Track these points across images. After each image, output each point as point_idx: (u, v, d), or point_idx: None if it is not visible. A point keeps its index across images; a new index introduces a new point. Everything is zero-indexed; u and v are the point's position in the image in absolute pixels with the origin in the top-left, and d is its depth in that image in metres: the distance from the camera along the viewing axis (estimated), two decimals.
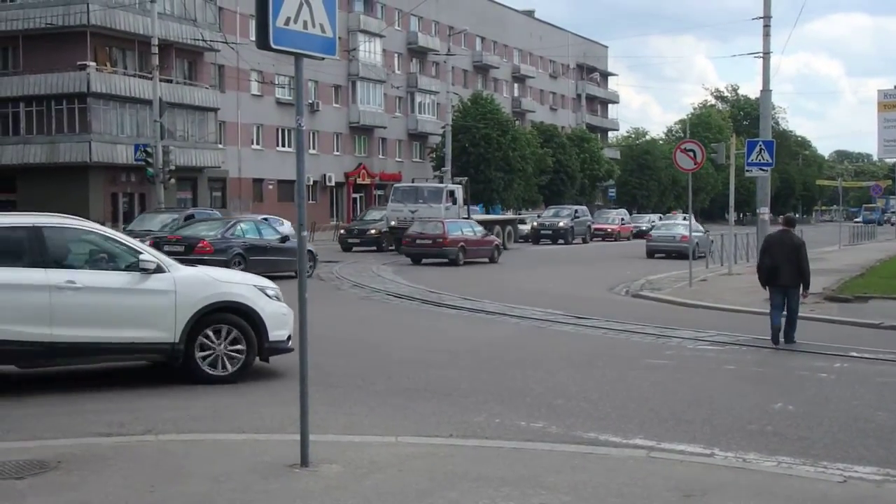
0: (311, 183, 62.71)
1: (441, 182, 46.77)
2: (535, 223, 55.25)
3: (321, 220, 61.21)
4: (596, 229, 59.63)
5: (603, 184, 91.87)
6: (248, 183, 58.65)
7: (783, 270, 14.73)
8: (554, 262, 38.20)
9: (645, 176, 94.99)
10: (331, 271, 29.69)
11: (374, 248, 42.56)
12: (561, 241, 53.38)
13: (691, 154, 25.45)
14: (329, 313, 18.06)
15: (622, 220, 64.51)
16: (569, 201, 79.27)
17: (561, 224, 53.96)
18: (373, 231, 42.86)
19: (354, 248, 42.43)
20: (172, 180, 39.87)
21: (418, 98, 75.08)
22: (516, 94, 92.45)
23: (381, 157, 72.17)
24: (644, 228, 58.93)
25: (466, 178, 51.47)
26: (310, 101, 62.12)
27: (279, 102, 60.42)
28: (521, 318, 18.37)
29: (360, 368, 12.07)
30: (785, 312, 14.79)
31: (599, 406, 9.93)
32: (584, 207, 60.92)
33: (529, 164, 68.37)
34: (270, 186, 60.20)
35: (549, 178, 75.81)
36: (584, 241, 55.39)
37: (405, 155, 74.97)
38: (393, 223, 40.42)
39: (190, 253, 23.66)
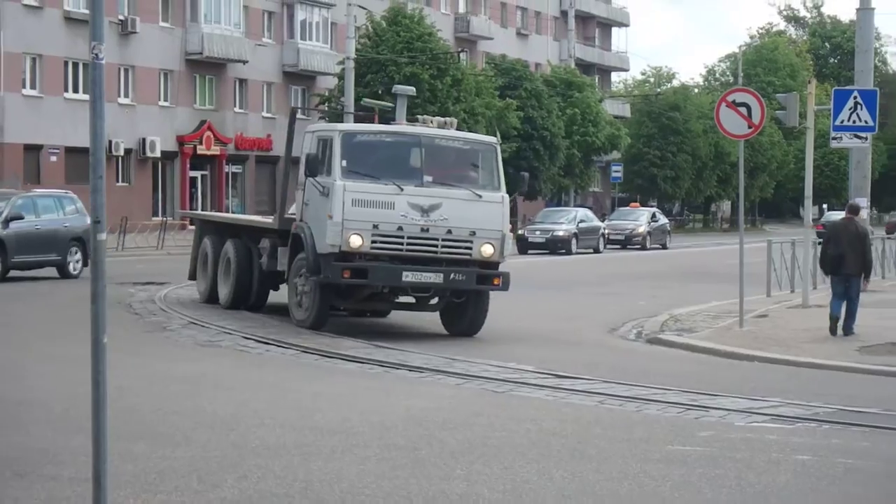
0: (122, 153, 62.18)
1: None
2: None
3: (139, 212, 60.62)
4: None
5: (603, 158, 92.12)
6: (15, 151, 57.99)
7: (847, 259, 22.62)
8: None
9: (671, 146, 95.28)
10: (153, 299, 29.44)
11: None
12: None
13: (744, 110, 25.63)
14: (148, 370, 17.95)
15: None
16: (548, 187, 79.50)
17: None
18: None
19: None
20: None
21: (301, 14, 74.97)
22: (462, 8, 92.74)
23: (238, 109, 71.87)
24: None
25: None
26: (119, 18, 61.72)
27: (69, 19, 59.96)
28: (465, 377, 18.42)
29: (196, 460, 12.00)
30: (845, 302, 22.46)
31: None
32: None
33: (481, 123, 68.56)
34: (54, 157, 59.66)
35: (516, 147, 75.74)
36: None
37: (279, 106, 74.61)
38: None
39: None
